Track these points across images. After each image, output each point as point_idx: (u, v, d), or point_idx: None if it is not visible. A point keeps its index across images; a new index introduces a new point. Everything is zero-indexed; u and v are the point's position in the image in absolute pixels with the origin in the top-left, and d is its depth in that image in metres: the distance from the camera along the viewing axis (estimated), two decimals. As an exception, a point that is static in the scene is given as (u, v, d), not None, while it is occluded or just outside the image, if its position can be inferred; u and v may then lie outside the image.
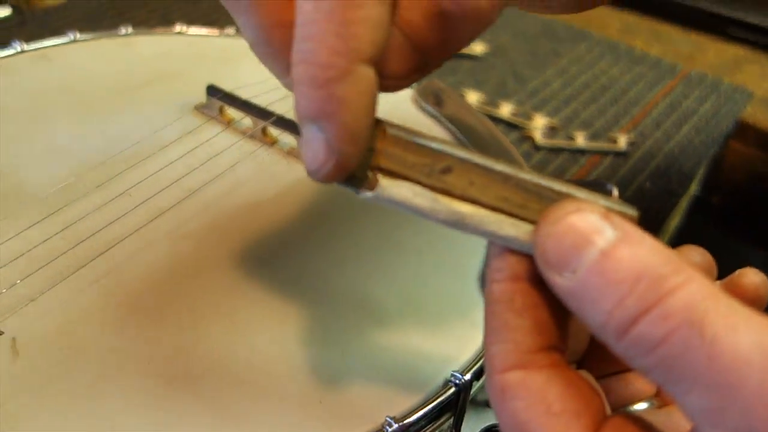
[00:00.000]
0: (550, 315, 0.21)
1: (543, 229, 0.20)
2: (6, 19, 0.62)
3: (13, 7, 0.63)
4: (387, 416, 0.28)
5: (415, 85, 0.50)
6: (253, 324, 0.31)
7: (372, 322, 0.32)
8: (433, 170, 0.21)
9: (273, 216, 0.37)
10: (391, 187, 0.21)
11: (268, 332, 0.31)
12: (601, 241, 0.19)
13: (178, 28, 0.52)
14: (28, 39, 0.47)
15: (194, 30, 0.52)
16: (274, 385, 0.29)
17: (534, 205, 0.21)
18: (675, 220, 0.58)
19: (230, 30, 0.53)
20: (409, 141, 0.21)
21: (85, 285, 0.32)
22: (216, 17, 0.62)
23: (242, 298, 0.32)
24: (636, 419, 0.20)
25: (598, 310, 0.18)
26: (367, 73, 0.20)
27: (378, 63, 0.20)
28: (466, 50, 0.65)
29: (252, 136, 0.42)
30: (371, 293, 0.34)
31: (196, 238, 0.35)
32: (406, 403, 0.29)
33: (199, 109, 0.44)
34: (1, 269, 0.32)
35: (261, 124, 0.42)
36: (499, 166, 0.21)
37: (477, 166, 0.21)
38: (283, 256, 0.35)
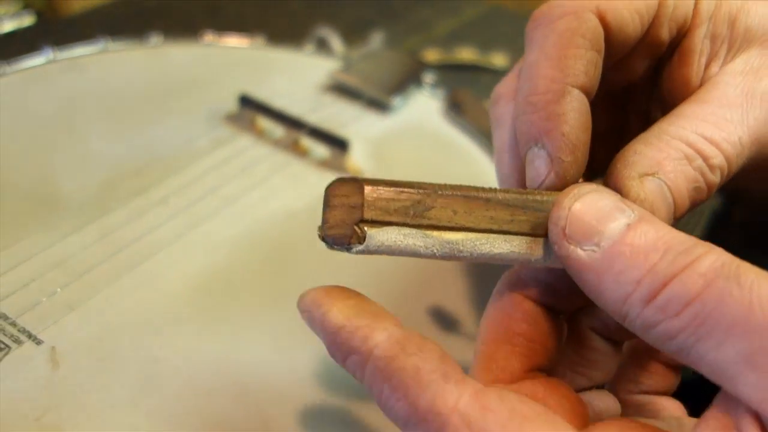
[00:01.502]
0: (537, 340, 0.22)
1: (565, 202, 0.21)
2: (30, 26, 0.62)
3: (37, 14, 0.64)
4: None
5: (442, 97, 0.50)
6: (292, 337, 0.31)
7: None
8: (416, 211, 0.21)
9: (306, 227, 0.37)
10: (378, 235, 0.21)
11: (307, 346, 0.31)
12: (623, 217, 0.20)
13: (208, 37, 0.52)
14: (53, 46, 0.47)
15: (224, 40, 0.52)
16: (313, 398, 0.29)
17: (521, 217, 0.22)
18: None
19: (260, 40, 0.53)
20: (387, 190, 0.21)
21: (124, 294, 0.32)
22: (240, 27, 0.63)
23: (280, 311, 0.32)
24: (632, 421, 0.20)
25: (624, 281, 0.19)
26: (581, 96, 0.23)
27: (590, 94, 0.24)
28: (485, 63, 0.65)
29: (284, 147, 0.42)
30: (406, 306, 0.33)
31: (232, 246, 0.35)
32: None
33: (231, 118, 0.44)
34: (40, 278, 0.31)
35: (294, 134, 0.42)
36: (478, 191, 0.22)
37: (456, 196, 0.21)
38: (317, 267, 0.35)
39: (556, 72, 0.23)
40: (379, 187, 0.21)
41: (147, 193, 0.37)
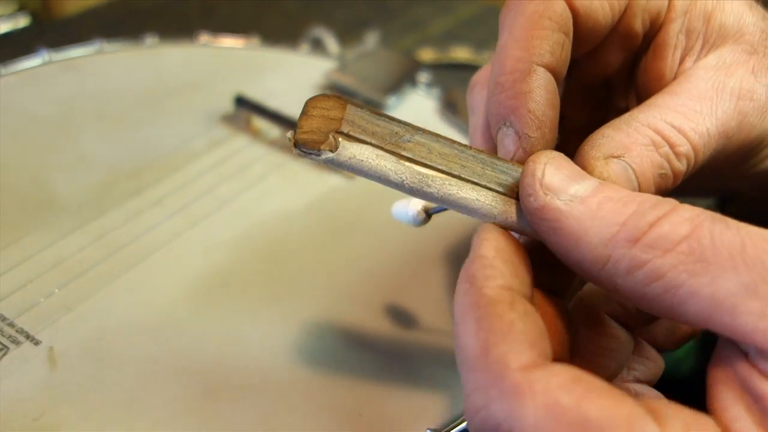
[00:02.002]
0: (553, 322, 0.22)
1: (541, 158, 0.21)
2: (26, 28, 0.62)
3: (32, 15, 0.64)
4: (427, 428, 0.28)
5: (437, 97, 0.50)
6: (291, 336, 0.31)
7: (408, 334, 0.32)
8: (393, 138, 0.22)
9: (303, 227, 0.37)
10: (352, 147, 0.21)
11: (305, 344, 0.31)
12: (593, 179, 0.21)
13: (203, 38, 0.52)
14: (49, 48, 0.47)
15: (219, 41, 0.52)
16: (313, 397, 0.29)
17: (490, 173, 0.22)
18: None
19: (255, 41, 0.53)
20: (370, 114, 0.22)
21: (121, 295, 0.32)
22: (235, 28, 0.63)
23: (277, 311, 0.32)
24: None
25: (608, 223, 0.19)
26: (546, 74, 0.24)
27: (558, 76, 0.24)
28: (480, 62, 0.65)
29: (280, 147, 0.42)
30: (405, 304, 0.34)
31: (229, 247, 0.35)
32: (445, 415, 0.29)
33: (227, 119, 0.44)
34: (38, 278, 0.32)
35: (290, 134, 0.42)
36: (454, 142, 0.22)
37: (434, 138, 0.22)
38: (315, 266, 0.35)
39: (522, 52, 0.24)
40: (362, 110, 0.22)
41: (143, 194, 0.37)
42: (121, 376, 0.28)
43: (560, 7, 0.25)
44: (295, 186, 0.40)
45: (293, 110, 0.45)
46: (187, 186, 0.38)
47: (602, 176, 0.23)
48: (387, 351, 0.31)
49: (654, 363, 0.26)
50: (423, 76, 0.52)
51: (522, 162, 0.23)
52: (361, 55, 0.52)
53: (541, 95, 0.23)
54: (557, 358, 0.22)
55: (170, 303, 0.32)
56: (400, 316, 0.33)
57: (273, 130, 0.43)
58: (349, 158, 0.21)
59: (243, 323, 0.31)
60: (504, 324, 0.19)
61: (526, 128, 0.23)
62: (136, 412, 0.27)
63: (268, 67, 0.50)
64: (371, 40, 0.57)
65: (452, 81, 0.60)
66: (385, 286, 0.35)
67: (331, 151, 0.21)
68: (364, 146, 0.22)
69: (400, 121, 0.22)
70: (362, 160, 0.21)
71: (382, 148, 0.22)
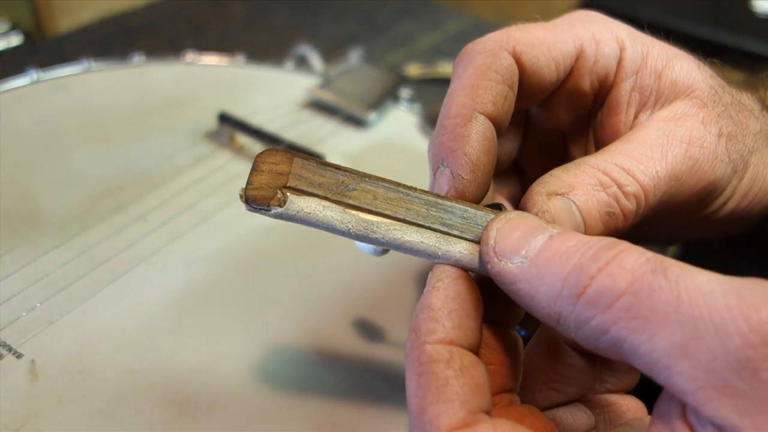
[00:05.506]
0: (498, 367, 0.23)
1: (493, 225, 0.22)
2: (18, 47, 0.63)
3: (25, 34, 0.65)
4: (398, 437, 0.29)
5: (420, 112, 0.51)
6: (267, 347, 0.32)
7: (382, 342, 0.33)
8: (339, 188, 0.22)
9: (285, 240, 0.38)
10: (299, 201, 0.22)
11: (281, 356, 0.32)
12: (546, 233, 0.21)
13: (189, 56, 0.53)
14: (40, 66, 0.48)
15: (205, 58, 0.53)
16: (288, 408, 0.29)
17: (435, 213, 0.23)
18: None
19: (240, 58, 0.54)
20: (316, 165, 0.22)
21: (102, 308, 0.33)
22: (224, 46, 0.64)
23: (254, 323, 0.33)
24: None
25: (552, 281, 0.20)
26: (486, 122, 0.25)
27: (500, 125, 0.26)
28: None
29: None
30: (381, 318, 0.34)
31: (210, 261, 0.36)
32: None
33: (210, 135, 0.45)
34: (21, 293, 0.32)
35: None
36: (400, 185, 0.23)
37: (379, 184, 0.23)
38: (295, 279, 0.36)
39: (467, 99, 0.25)
40: (308, 162, 0.22)
41: (126, 210, 0.38)
42: (100, 388, 0.29)
43: (507, 62, 0.26)
44: (275, 201, 0.41)
45: (276, 126, 0.46)
46: (170, 201, 0.39)
47: (542, 209, 0.23)
48: (362, 363, 0.32)
49: (625, 375, 0.26)
50: (405, 92, 0.53)
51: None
52: (344, 72, 0.53)
53: (478, 141, 0.24)
54: (507, 390, 0.23)
55: (150, 316, 0.33)
56: (376, 329, 0.34)
57: (255, 146, 0.44)
58: (297, 212, 0.22)
59: (220, 336, 0.32)
60: (439, 383, 0.20)
61: (460, 170, 0.24)
62: (114, 423, 0.28)
63: (252, 85, 0.51)
64: (355, 56, 0.58)
65: (437, 96, 0.61)
66: (362, 300, 0.35)
67: (280, 206, 0.22)
68: (311, 199, 0.22)
69: (346, 170, 0.23)
70: (309, 213, 0.22)
71: (328, 199, 0.22)
